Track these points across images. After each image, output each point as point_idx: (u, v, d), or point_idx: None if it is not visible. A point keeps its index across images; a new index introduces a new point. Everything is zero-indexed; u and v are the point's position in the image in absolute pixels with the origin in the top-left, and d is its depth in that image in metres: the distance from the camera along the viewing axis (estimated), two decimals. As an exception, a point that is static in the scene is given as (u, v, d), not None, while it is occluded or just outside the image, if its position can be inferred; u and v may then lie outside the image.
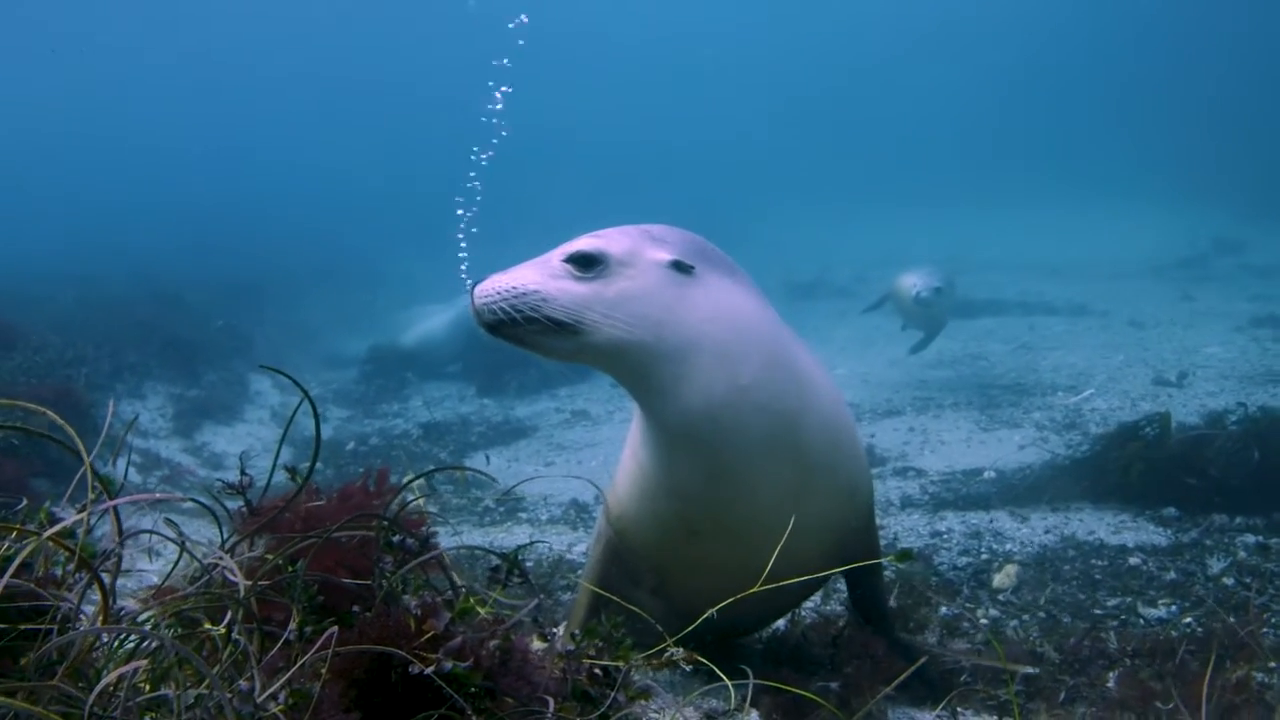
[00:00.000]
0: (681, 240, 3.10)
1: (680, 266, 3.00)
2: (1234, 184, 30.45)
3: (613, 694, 2.23)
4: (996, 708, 3.60)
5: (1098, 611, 4.98)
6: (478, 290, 2.97)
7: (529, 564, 6.27)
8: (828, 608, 4.88)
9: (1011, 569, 5.76)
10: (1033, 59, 51.62)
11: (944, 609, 5.01)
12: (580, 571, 4.87)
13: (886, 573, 4.86)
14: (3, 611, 1.93)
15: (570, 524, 7.85)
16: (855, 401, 11.62)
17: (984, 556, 6.12)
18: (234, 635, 2.12)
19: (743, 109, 60.26)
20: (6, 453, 6.51)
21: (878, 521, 3.81)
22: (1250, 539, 5.82)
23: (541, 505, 8.45)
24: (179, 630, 2.38)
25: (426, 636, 1.96)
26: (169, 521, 2.44)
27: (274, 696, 1.85)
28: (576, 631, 2.33)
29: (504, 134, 16.51)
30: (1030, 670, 3.91)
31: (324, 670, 1.92)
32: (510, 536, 7.48)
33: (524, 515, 8.23)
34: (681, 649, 2.47)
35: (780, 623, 4.19)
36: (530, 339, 2.95)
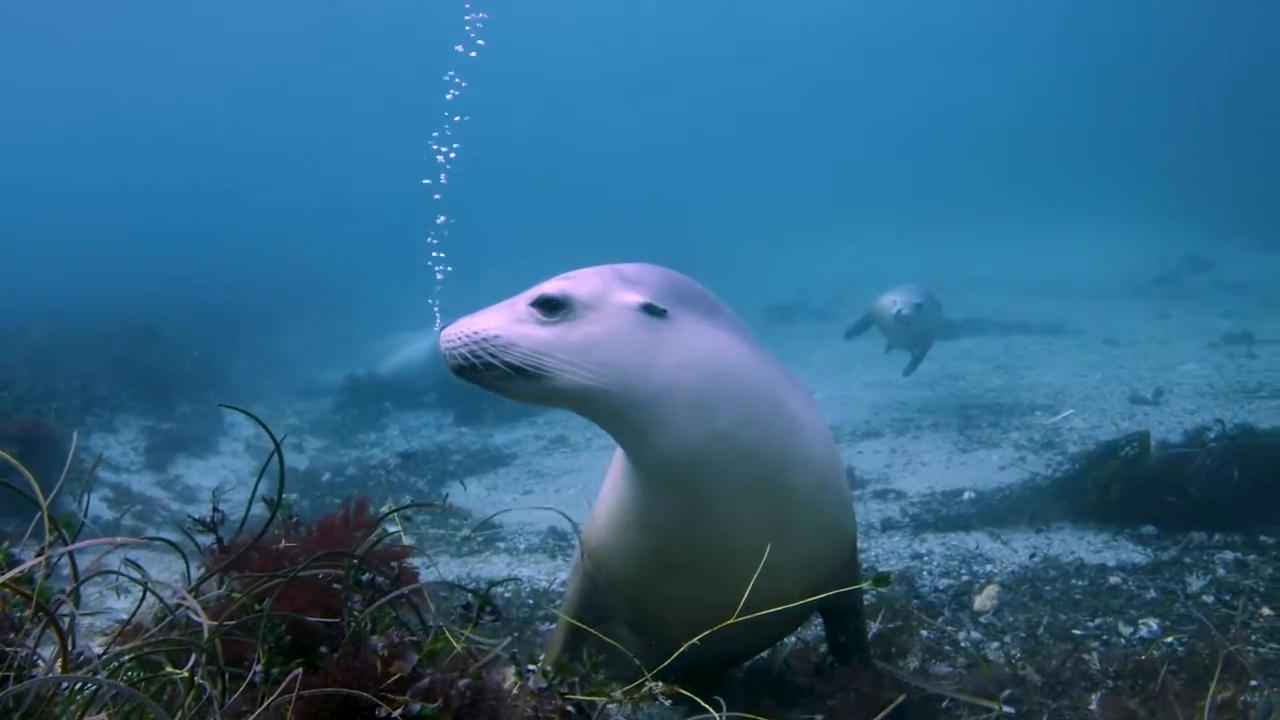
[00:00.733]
0: (657, 281, 2.97)
1: (652, 310, 2.87)
2: (1205, 202, 30.87)
3: (589, 731, 2.19)
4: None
5: (1079, 632, 4.96)
6: (444, 334, 2.90)
7: (507, 595, 6.20)
8: (809, 633, 4.83)
9: (992, 590, 5.73)
10: (1004, 80, 52.14)
11: (925, 632, 4.98)
12: (559, 603, 4.80)
13: (868, 597, 4.83)
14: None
15: (549, 552, 7.77)
16: (834, 424, 11.60)
17: (965, 578, 6.10)
18: (196, 679, 2.06)
19: (716, 129, 60.67)
20: (-30, 492, 6.37)
21: (859, 544, 3.78)
22: (1229, 555, 5.82)
23: (520, 534, 8.37)
24: (142, 674, 2.32)
25: (394, 678, 1.91)
26: (130, 562, 2.38)
27: (236, 744, 1.79)
28: (549, 669, 2.28)
29: (452, 160, 16.72)
30: (1011, 701, 3.87)
31: (289, 714, 1.87)
32: (489, 567, 7.40)
33: (502, 545, 8.15)
34: (660, 682, 2.42)
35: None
36: (494, 384, 2.87)
